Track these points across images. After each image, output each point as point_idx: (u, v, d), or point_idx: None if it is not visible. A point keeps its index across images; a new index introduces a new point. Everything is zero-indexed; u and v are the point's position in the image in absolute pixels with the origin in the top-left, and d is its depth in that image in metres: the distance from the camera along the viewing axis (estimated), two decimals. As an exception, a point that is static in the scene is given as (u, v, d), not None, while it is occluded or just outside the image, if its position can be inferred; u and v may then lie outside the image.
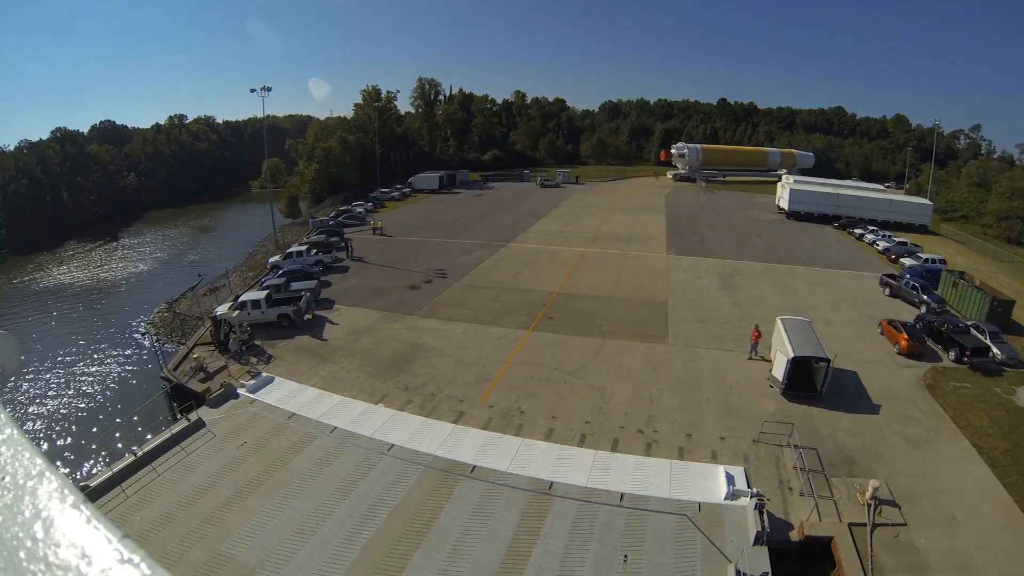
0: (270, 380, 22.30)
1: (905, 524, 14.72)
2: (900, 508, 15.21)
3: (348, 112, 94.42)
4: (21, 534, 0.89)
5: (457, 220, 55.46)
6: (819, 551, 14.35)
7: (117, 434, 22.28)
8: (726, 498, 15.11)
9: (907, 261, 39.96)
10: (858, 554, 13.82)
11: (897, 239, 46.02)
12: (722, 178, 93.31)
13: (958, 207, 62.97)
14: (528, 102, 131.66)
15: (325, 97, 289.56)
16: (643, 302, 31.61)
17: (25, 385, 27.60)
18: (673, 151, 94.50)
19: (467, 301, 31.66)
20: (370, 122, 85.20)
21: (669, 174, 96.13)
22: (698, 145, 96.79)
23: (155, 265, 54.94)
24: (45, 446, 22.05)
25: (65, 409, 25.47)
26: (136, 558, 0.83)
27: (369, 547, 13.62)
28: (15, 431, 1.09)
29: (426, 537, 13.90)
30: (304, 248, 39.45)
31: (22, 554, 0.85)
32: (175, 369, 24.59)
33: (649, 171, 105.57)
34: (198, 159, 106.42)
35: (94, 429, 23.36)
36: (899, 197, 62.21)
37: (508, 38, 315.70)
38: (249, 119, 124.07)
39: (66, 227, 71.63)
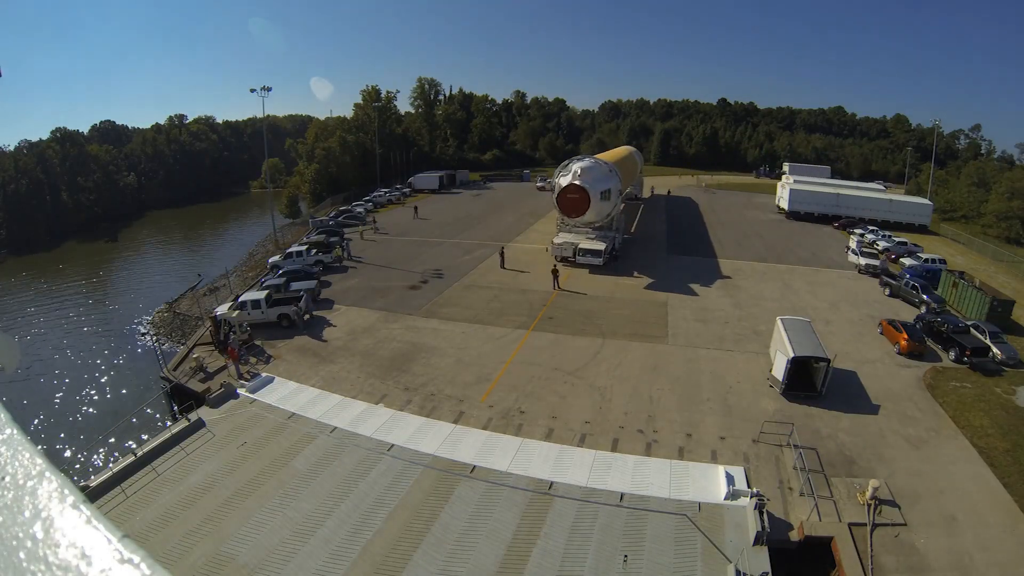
0: (270, 380, 22.29)
1: (905, 524, 14.73)
2: (900, 508, 15.21)
3: (348, 112, 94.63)
4: (21, 534, 0.88)
5: (457, 220, 55.39)
6: (819, 551, 14.35)
7: (117, 434, 22.28)
8: (726, 498, 15.10)
9: (907, 261, 39.98)
10: (858, 554, 13.82)
11: (897, 239, 46.06)
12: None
13: (958, 207, 62.96)
14: (528, 102, 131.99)
15: (327, 96, 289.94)
16: (643, 302, 31.60)
17: (25, 385, 27.59)
18: (583, 186, 36.04)
19: (467, 301, 31.64)
20: (370, 122, 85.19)
21: (560, 243, 38.66)
22: (601, 158, 42.02)
23: (154, 265, 54.93)
24: (45, 446, 22.04)
25: (65, 409, 25.46)
26: (136, 558, 0.83)
27: (369, 547, 13.62)
28: (15, 431, 1.09)
29: (426, 537, 13.89)
30: (304, 248, 39.49)
31: (22, 554, 0.85)
32: (175, 369, 24.60)
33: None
34: (198, 159, 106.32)
35: (94, 429, 23.36)
36: (899, 197, 62.11)
37: (508, 38, 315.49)
38: (249, 119, 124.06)
39: (66, 227, 71.56)
